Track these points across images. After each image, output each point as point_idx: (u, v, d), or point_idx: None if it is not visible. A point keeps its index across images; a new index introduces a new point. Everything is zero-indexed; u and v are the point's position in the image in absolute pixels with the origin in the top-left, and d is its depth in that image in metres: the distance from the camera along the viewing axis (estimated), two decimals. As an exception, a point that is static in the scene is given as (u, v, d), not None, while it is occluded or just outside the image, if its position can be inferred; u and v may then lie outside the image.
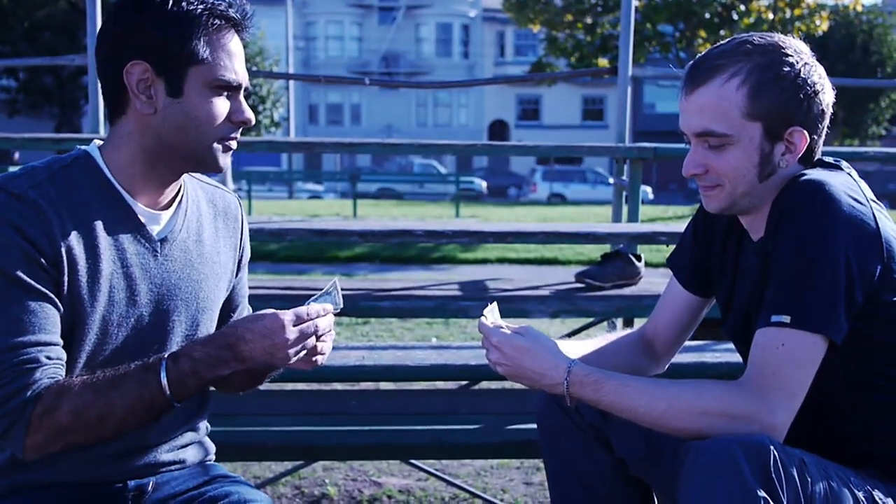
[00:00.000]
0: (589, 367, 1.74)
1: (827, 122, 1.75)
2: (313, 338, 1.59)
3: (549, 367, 1.73)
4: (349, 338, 6.66)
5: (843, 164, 1.78)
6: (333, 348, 2.85)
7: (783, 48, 1.69)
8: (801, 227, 1.63)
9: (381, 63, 47.36)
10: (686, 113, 1.74)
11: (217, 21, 1.61)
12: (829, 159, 1.80)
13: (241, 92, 1.67)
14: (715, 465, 1.53)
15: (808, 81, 1.68)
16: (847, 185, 1.68)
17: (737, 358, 2.73)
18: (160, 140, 1.62)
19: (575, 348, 1.97)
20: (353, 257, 12.41)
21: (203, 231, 1.77)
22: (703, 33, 21.11)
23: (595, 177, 34.09)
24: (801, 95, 1.68)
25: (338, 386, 3.14)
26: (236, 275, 1.87)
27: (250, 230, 3.22)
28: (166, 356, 1.55)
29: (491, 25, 47.23)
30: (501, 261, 12.47)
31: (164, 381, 1.52)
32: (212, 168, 1.67)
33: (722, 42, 1.77)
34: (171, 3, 1.58)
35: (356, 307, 3.20)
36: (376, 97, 46.49)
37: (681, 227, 3.79)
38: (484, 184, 35.89)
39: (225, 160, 1.67)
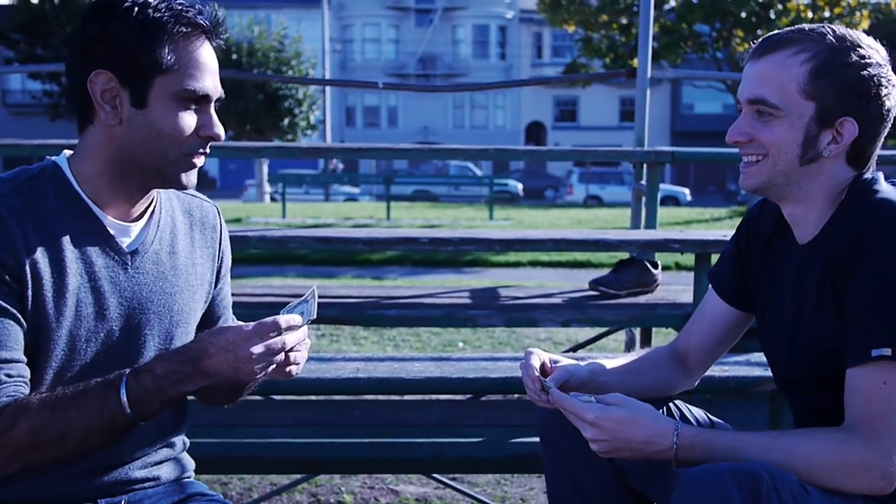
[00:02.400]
0: (694, 427, 1.72)
1: (887, 126, 1.71)
2: (282, 354, 1.53)
3: (656, 433, 1.66)
4: (376, 342, 6.64)
5: None
6: (329, 359, 2.85)
7: (859, 43, 1.67)
8: (887, 253, 1.58)
9: (417, 65, 47.47)
10: (746, 79, 1.72)
11: (184, 28, 1.55)
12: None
13: (213, 104, 1.61)
14: (705, 495, 1.48)
15: (875, 80, 1.65)
16: None
17: (745, 372, 2.68)
18: (124, 152, 1.57)
19: (608, 365, 1.95)
20: (385, 260, 12.42)
21: (177, 242, 1.72)
22: (740, 33, 20.87)
23: (632, 178, 33.89)
24: (863, 89, 1.65)
25: (341, 395, 3.10)
26: (215, 286, 1.82)
27: (255, 237, 3.24)
28: (127, 372, 1.50)
29: (528, 26, 47.15)
30: (533, 264, 12.42)
31: (125, 398, 1.47)
32: (174, 185, 1.62)
33: (802, 24, 1.75)
34: (136, 10, 1.53)
35: (363, 315, 3.16)
36: (413, 99, 46.57)
37: (703, 233, 3.72)
38: (520, 186, 35.77)
39: (189, 178, 1.61)
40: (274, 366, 1.53)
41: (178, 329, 1.70)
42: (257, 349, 1.48)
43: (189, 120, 1.57)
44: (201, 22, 1.57)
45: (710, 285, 2.04)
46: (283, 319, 1.52)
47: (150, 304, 1.65)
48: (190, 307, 1.73)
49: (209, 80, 1.59)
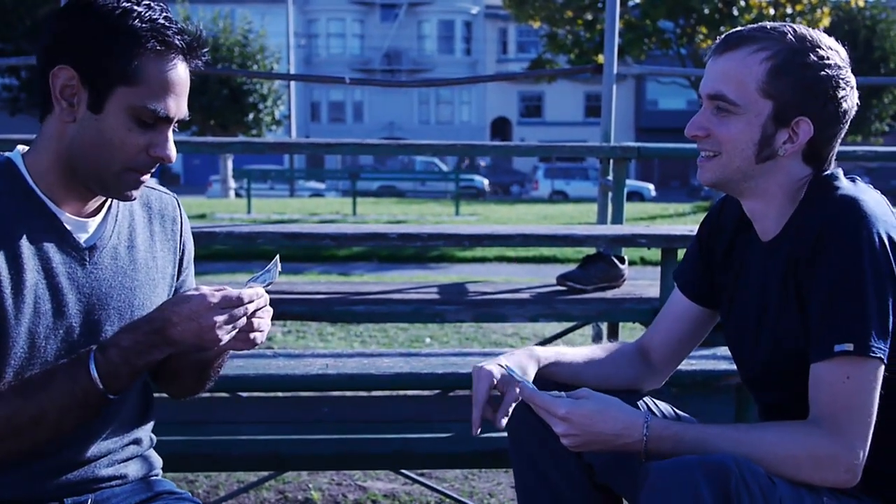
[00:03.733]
0: (664, 420, 1.73)
1: (843, 127, 1.73)
2: (244, 318, 1.53)
3: (626, 426, 1.67)
4: (343, 338, 6.62)
5: (858, 179, 1.75)
6: (297, 356, 2.83)
7: (818, 43, 1.68)
8: (848, 250, 1.60)
9: (383, 60, 47.34)
10: (707, 75, 1.73)
11: (159, 46, 1.52)
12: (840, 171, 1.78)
13: (172, 125, 1.58)
14: (674, 487, 1.50)
15: (833, 80, 1.67)
16: (880, 203, 1.67)
17: (711, 366, 2.70)
18: (72, 151, 1.55)
19: (570, 354, 1.95)
20: (351, 256, 12.38)
21: (136, 236, 1.71)
22: (703, 29, 21.03)
23: (597, 174, 33.99)
24: (820, 90, 1.66)
25: (309, 392, 3.09)
26: (178, 278, 1.81)
27: (221, 234, 3.20)
28: (94, 348, 1.50)
29: (493, 22, 47.19)
30: (500, 259, 12.44)
31: (95, 374, 1.47)
32: (114, 196, 1.61)
33: (764, 22, 1.77)
34: (115, 15, 1.50)
35: (331, 312, 3.15)
36: (379, 95, 46.48)
37: (670, 228, 3.74)
38: (485, 181, 35.80)
39: (131, 193, 1.60)
40: (236, 331, 1.53)
41: None
42: (220, 317, 1.49)
43: (141, 137, 1.55)
44: (177, 42, 1.54)
45: (675, 284, 2.05)
46: (247, 294, 1.53)
47: (109, 300, 1.64)
48: (151, 301, 1.71)
49: (172, 102, 1.55)
